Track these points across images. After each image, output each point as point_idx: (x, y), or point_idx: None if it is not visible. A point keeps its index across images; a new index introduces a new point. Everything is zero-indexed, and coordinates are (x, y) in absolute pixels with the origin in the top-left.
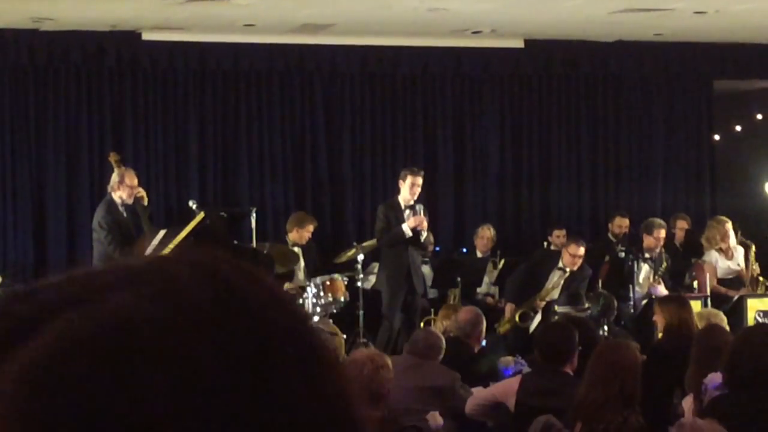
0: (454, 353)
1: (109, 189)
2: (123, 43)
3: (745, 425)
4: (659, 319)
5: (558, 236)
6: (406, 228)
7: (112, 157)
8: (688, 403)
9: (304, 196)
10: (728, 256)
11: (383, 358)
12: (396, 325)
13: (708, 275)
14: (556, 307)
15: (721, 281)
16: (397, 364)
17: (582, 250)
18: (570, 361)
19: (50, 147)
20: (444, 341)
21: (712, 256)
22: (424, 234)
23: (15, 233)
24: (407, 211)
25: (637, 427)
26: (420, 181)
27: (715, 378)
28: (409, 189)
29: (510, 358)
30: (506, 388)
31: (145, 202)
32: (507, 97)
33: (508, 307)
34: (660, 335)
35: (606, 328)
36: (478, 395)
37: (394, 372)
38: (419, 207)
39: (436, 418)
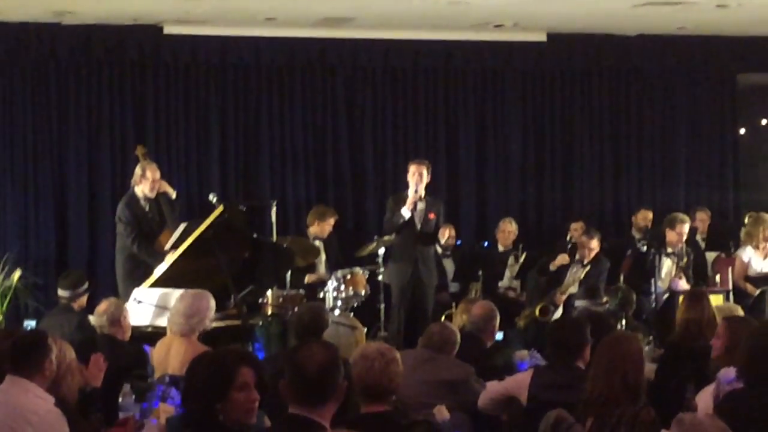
0: (466, 348)
1: (132, 183)
2: (144, 37)
3: (762, 422)
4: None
5: (575, 229)
6: (405, 211)
7: (139, 150)
8: (702, 398)
9: (326, 190)
10: (764, 255)
11: (393, 352)
12: (401, 318)
13: (731, 270)
14: (575, 302)
15: (752, 279)
16: (412, 358)
17: (594, 243)
18: (581, 356)
19: (72, 141)
20: (458, 335)
21: (747, 253)
22: (431, 223)
23: (37, 226)
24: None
25: (649, 421)
26: (423, 170)
27: (728, 373)
28: (411, 177)
29: (525, 352)
30: (518, 383)
31: (173, 196)
32: (529, 91)
33: (561, 257)
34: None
35: (624, 322)
36: (491, 389)
37: (409, 366)
38: (413, 188)
39: (442, 412)
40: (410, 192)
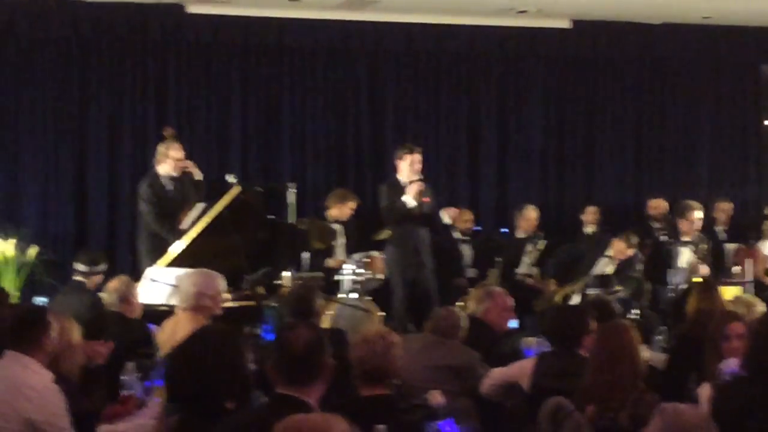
0: (475, 334)
1: (155, 162)
2: (167, 16)
3: (761, 411)
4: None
5: (592, 212)
6: (408, 199)
7: (167, 132)
8: (704, 388)
9: (346, 173)
10: None
11: (393, 335)
12: (406, 302)
13: (754, 261)
14: (588, 289)
15: None
16: (418, 343)
17: (630, 252)
18: (582, 344)
19: (93, 119)
20: (465, 320)
21: None
22: (425, 207)
23: (57, 204)
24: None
25: (652, 404)
26: (419, 157)
27: (730, 363)
28: (409, 166)
29: (533, 339)
30: (522, 369)
31: (198, 177)
32: (552, 78)
33: (549, 284)
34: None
35: (637, 311)
36: (494, 375)
37: (415, 350)
38: (415, 176)
39: (436, 397)
40: (401, 178)
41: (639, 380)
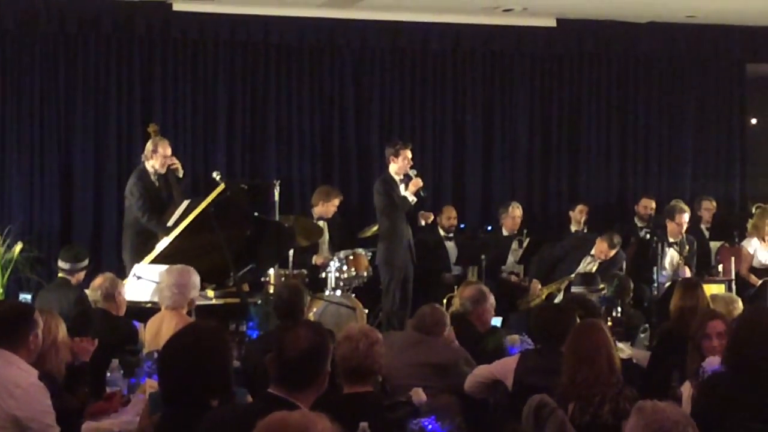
0: (459, 331)
1: (143, 158)
2: (153, 13)
3: (742, 404)
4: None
5: (581, 211)
6: (410, 195)
7: (151, 128)
8: (687, 386)
9: (332, 171)
10: None
11: (376, 333)
12: (396, 298)
13: (734, 259)
14: (572, 287)
15: (756, 271)
16: (402, 340)
17: (612, 253)
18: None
19: (79, 116)
20: (448, 318)
21: (753, 244)
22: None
23: (42, 200)
24: (402, 186)
25: (632, 398)
26: (410, 153)
27: (713, 361)
28: (402, 161)
29: (516, 337)
30: (505, 366)
31: (180, 174)
32: (537, 77)
33: (534, 284)
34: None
35: (620, 309)
36: (477, 373)
37: (398, 347)
38: (412, 172)
39: (419, 394)
40: (394, 174)
41: (616, 375)
